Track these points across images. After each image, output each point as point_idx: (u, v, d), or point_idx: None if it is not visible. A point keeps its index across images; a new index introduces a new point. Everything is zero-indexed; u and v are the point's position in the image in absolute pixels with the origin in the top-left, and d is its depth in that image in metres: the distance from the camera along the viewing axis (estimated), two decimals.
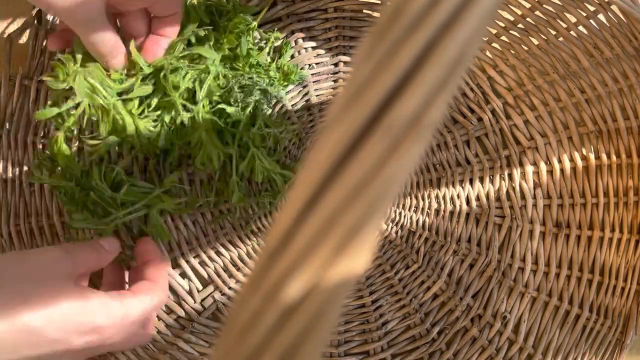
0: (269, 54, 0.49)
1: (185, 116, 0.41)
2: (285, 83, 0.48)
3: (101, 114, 0.39)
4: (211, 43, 0.43)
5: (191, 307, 0.49)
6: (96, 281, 0.46)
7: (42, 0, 0.32)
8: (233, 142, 0.45)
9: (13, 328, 0.31)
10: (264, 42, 0.49)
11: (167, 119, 0.41)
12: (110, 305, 0.35)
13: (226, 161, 0.45)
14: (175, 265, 0.49)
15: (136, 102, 0.40)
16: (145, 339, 0.41)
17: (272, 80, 0.47)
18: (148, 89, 0.41)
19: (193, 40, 0.45)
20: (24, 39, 0.46)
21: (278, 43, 0.49)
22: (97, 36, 0.36)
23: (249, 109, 0.44)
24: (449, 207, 0.50)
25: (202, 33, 0.44)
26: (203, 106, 0.42)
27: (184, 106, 0.41)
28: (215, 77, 0.42)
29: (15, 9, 0.50)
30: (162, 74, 0.40)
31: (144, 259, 0.43)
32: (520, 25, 0.47)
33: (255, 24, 0.45)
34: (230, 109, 0.43)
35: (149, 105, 0.41)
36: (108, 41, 0.37)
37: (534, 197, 0.50)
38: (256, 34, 0.48)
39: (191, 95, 0.42)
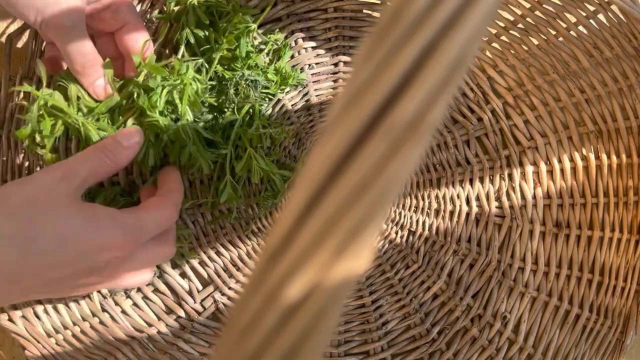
0: (267, 55, 0.49)
1: (170, 131, 0.41)
2: (283, 87, 0.48)
3: (76, 135, 0.40)
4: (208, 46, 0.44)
5: (191, 307, 0.49)
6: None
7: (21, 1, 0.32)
8: (226, 142, 0.45)
9: (29, 254, 0.31)
10: (263, 44, 0.49)
11: (152, 137, 0.41)
12: (122, 220, 0.34)
13: (224, 162, 0.45)
14: (175, 265, 0.49)
15: (106, 119, 0.40)
16: (169, 253, 0.40)
17: (269, 82, 0.47)
18: (114, 99, 0.40)
19: (192, 40, 0.45)
20: (23, 39, 0.46)
21: (277, 45, 0.49)
22: (77, 45, 0.36)
23: (246, 109, 0.45)
24: (449, 207, 0.50)
25: (201, 34, 0.44)
26: (187, 119, 0.41)
27: (171, 119, 0.41)
28: (195, 90, 0.42)
29: None
30: (135, 95, 0.39)
31: (164, 183, 0.42)
32: (520, 25, 0.47)
33: (255, 26, 0.45)
34: (227, 115, 0.44)
35: (125, 125, 0.40)
36: (87, 52, 0.37)
37: (534, 197, 0.50)
38: (255, 35, 0.48)
39: (175, 107, 0.42)
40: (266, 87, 0.47)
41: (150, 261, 0.38)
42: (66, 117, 0.39)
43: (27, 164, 0.47)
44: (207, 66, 0.46)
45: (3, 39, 0.45)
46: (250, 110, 0.45)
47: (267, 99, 0.48)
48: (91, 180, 0.36)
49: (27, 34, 0.46)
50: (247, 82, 0.45)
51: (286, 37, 0.50)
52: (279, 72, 0.48)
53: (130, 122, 0.40)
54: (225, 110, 0.45)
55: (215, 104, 0.45)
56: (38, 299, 0.35)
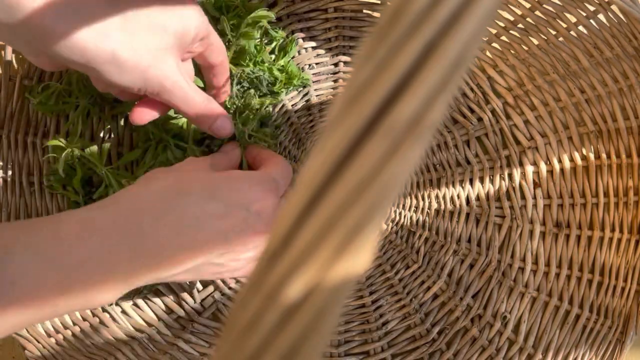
0: (272, 52, 0.49)
1: (178, 154, 0.44)
2: (288, 85, 0.48)
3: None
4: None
5: (191, 307, 0.49)
6: None
7: (107, 70, 0.32)
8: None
9: (189, 204, 0.33)
10: (268, 40, 0.49)
11: (163, 160, 0.44)
12: (253, 176, 0.36)
13: None
14: None
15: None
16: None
17: (275, 80, 0.47)
18: (136, 153, 0.45)
19: None
20: None
21: (283, 40, 0.49)
22: (183, 97, 0.37)
23: (253, 114, 0.45)
24: (449, 207, 0.50)
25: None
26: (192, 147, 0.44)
27: (176, 145, 0.44)
28: None
29: None
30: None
31: (259, 157, 0.43)
32: (520, 25, 0.47)
33: (265, 21, 0.45)
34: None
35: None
36: (195, 101, 0.38)
37: (534, 197, 0.50)
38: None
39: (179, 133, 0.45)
40: (271, 84, 0.47)
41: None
42: (95, 168, 0.44)
43: (27, 163, 0.47)
44: None
45: None
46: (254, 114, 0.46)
47: (270, 107, 0.48)
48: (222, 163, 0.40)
49: None
50: (253, 78, 0.45)
51: (287, 37, 0.50)
52: (285, 69, 0.47)
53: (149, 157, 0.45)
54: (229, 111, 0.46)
55: None
56: (189, 279, 0.36)
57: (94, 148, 0.45)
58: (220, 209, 0.33)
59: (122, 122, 0.48)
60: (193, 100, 0.37)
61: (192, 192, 0.33)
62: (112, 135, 0.48)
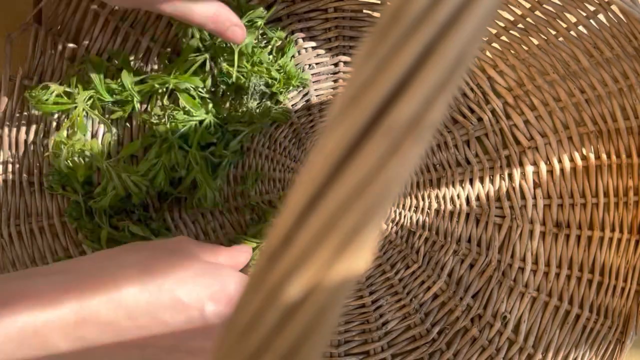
0: (270, 53, 0.49)
1: (179, 157, 0.44)
2: (286, 86, 0.48)
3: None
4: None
5: None
6: None
7: None
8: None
9: (153, 293, 0.30)
10: (266, 41, 0.49)
11: (166, 161, 0.44)
12: (241, 277, 0.34)
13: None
14: None
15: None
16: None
17: (273, 81, 0.47)
18: (135, 145, 0.45)
19: (197, 35, 0.45)
20: (24, 39, 0.46)
21: (281, 42, 0.49)
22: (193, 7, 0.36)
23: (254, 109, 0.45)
24: (449, 207, 0.50)
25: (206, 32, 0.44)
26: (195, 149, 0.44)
27: (180, 147, 0.44)
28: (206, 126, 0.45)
29: (15, 9, 0.50)
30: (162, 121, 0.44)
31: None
32: (520, 25, 0.47)
33: (262, 22, 0.45)
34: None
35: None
36: (204, 10, 0.37)
37: (534, 197, 0.50)
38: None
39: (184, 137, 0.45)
40: (271, 85, 0.47)
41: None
42: (96, 162, 0.44)
43: (27, 163, 0.47)
44: (211, 63, 0.46)
45: (3, 39, 0.45)
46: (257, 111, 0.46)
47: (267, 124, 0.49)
48: (208, 257, 0.36)
49: (27, 34, 0.46)
50: (252, 86, 0.45)
51: (286, 37, 0.50)
52: (283, 68, 0.48)
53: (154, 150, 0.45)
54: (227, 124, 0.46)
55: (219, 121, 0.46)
56: None
57: (95, 142, 0.45)
58: (183, 299, 0.31)
59: (125, 124, 0.48)
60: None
61: (158, 275, 0.31)
62: (113, 133, 0.48)
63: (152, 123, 0.45)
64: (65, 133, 0.45)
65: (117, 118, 0.47)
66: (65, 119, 0.47)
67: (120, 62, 0.47)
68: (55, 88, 0.44)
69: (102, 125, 0.48)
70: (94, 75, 0.44)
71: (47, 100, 0.44)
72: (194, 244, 0.36)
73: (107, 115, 0.47)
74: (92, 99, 0.45)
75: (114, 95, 0.45)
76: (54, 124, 0.47)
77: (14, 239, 0.46)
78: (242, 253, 0.39)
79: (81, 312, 0.28)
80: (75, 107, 0.44)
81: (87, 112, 0.45)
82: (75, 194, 0.46)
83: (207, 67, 0.46)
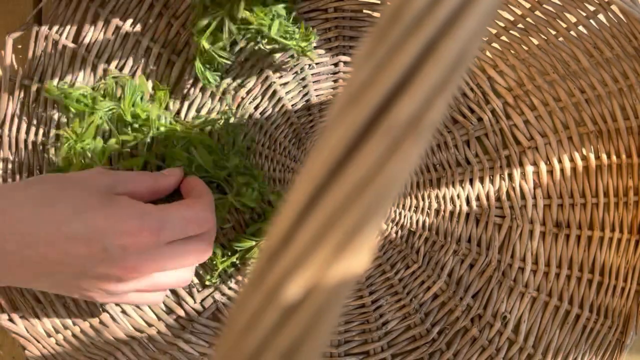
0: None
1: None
2: (308, 40, 0.45)
3: None
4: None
5: (191, 307, 0.49)
6: None
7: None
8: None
9: (44, 216, 0.31)
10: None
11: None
12: (142, 207, 0.34)
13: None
14: None
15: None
16: (202, 252, 0.38)
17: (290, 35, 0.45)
18: (137, 161, 0.45)
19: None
20: (24, 39, 0.46)
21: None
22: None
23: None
24: (449, 207, 0.50)
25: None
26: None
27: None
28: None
29: (15, 9, 0.50)
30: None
31: (189, 190, 0.40)
32: (520, 25, 0.47)
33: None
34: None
35: None
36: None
37: (534, 197, 0.50)
38: None
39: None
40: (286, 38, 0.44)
41: (179, 259, 0.36)
42: (95, 164, 0.44)
43: (27, 163, 0.47)
44: (227, 21, 0.44)
45: (3, 39, 0.45)
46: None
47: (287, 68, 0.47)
48: (121, 188, 0.36)
49: (27, 34, 0.46)
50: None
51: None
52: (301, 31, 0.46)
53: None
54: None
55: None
56: (47, 290, 0.34)
57: (99, 142, 0.45)
58: (82, 232, 0.31)
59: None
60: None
61: (59, 203, 0.31)
62: (118, 141, 0.47)
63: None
64: (71, 131, 0.45)
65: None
66: (74, 119, 0.46)
67: (157, 92, 0.47)
68: (82, 87, 0.44)
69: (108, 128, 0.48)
70: (127, 92, 0.45)
71: (70, 94, 0.44)
72: (106, 174, 0.36)
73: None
74: (112, 111, 0.45)
75: (134, 119, 0.45)
76: (54, 123, 0.47)
77: None
78: (164, 177, 0.38)
79: None
80: (93, 113, 0.45)
81: (101, 119, 0.45)
82: None
83: (225, 30, 0.44)
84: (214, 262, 0.48)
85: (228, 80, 0.49)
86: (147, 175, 0.38)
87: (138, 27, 0.48)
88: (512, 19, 0.47)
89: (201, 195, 0.39)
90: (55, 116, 0.47)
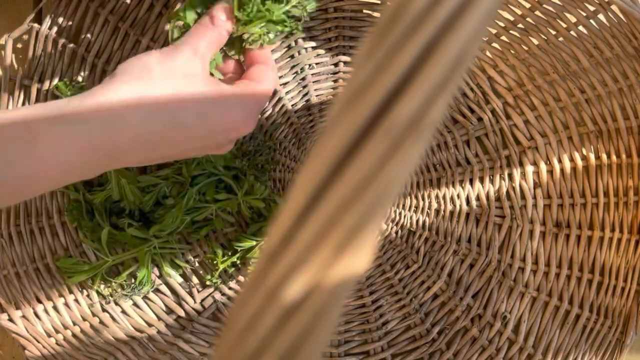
0: None
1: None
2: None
3: None
4: None
5: (191, 307, 0.49)
6: None
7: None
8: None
9: (172, 127, 0.33)
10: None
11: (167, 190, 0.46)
12: (245, 101, 0.36)
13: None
14: (175, 265, 0.49)
15: None
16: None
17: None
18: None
19: None
20: (24, 39, 0.46)
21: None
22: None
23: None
24: (449, 207, 0.50)
25: None
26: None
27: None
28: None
29: (15, 9, 0.50)
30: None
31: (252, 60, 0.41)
32: (520, 25, 0.47)
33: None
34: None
35: None
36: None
37: (534, 197, 0.50)
38: None
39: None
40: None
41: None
42: None
43: None
44: None
45: (3, 39, 0.45)
46: None
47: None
48: (209, 54, 0.37)
49: (27, 34, 0.46)
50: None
51: (286, 37, 0.50)
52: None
53: None
54: None
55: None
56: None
57: None
58: (202, 133, 0.35)
59: None
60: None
61: (182, 112, 0.34)
62: None
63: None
64: None
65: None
66: None
67: None
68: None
69: None
70: None
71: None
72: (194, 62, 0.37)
73: None
74: None
75: None
76: None
77: (13, 239, 0.46)
78: (220, 26, 0.38)
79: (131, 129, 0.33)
80: None
81: None
82: (75, 192, 0.46)
83: None
84: (215, 262, 0.48)
85: None
86: (215, 34, 0.38)
87: (138, 27, 0.48)
88: (512, 19, 0.47)
89: (268, 58, 0.41)
90: None
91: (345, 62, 0.51)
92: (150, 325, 0.48)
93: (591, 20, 0.44)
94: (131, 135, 0.32)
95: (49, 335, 0.46)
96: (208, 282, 0.48)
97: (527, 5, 0.45)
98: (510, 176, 0.50)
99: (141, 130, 0.33)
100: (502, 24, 0.47)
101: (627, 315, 0.46)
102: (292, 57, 0.50)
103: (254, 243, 0.47)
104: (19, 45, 0.47)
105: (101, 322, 0.47)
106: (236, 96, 0.37)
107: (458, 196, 0.50)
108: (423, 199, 0.51)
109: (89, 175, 0.34)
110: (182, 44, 0.36)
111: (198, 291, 0.49)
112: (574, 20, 0.44)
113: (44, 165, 0.31)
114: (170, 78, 0.35)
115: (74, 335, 0.46)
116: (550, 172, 0.50)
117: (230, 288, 0.49)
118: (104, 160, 0.32)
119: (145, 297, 0.48)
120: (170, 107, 0.34)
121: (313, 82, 0.50)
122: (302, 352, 0.12)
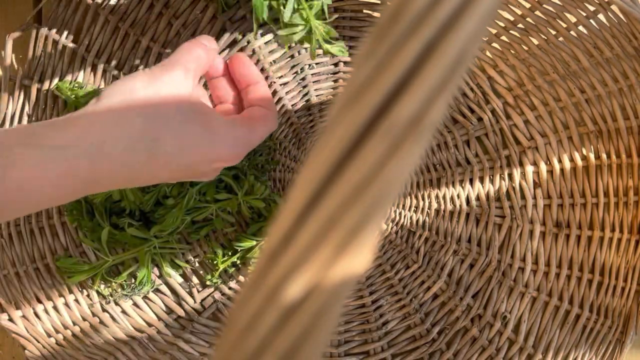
0: None
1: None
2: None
3: None
4: None
5: (191, 307, 0.49)
6: None
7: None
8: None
9: (155, 157, 0.33)
10: None
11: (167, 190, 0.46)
12: (235, 133, 0.36)
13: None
14: (175, 265, 0.49)
15: None
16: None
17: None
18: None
19: None
20: (24, 39, 0.46)
21: None
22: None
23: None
24: (449, 207, 0.50)
25: None
26: None
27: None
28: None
29: (15, 9, 0.50)
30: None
31: (247, 81, 0.41)
32: (520, 25, 0.47)
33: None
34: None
35: None
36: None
37: (534, 197, 0.50)
38: None
39: None
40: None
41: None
42: None
43: None
44: None
45: (3, 39, 0.45)
46: None
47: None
48: (198, 74, 0.37)
49: (27, 34, 0.46)
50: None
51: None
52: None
53: None
54: None
55: None
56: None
57: None
58: (185, 164, 0.34)
59: None
60: None
61: (165, 141, 0.33)
62: None
63: None
64: None
65: None
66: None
67: None
68: (91, 87, 0.45)
69: None
70: None
71: (76, 95, 0.44)
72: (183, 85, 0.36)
73: None
74: None
75: None
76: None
77: (13, 239, 0.46)
78: (208, 52, 0.38)
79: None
80: None
81: None
82: None
83: None
84: (215, 262, 0.48)
85: None
86: (204, 58, 0.38)
87: (138, 27, 0.48)
88: (512, 19, 0.47)
89: (270, 101, 0.41)
90: (56, 116, 0.47)
91: (345, 62, 0.51)
92: (150, 325, 0.48)
93: (591, 20, 0.44)
94: (112, 161, 0.31)
95: (49, 335, 0.46)
96: (208, 282, 0.49)
97: (527, 5, 0.45)
98: (510, 176, 0.50)
99: (122, 157, 0.32)
100: (502, 24, 0.47)
101: (627, 315, 0.46)
102: (292, 57, 0.50)
103: (254, 243, 0.47)
104: (19, 45, 0.47)
105: (101, 322, 0.47)
106: (228, 131, 0.36)
107: (458, 196, 0.50)
108: (423, 199, 0.51)
109: (66, 201, 0.33)
110: (170, 63, 0.35)
111: (198, 291, 0.49)
112: (574, 20, 0.44)
113: (19, 192, 0.30)
114: (155, 104, 0.34)
115: (74, 335, 0.46)
116: (550, 172, 0.50)
117: (230, 288, 0.49)
118: (82, 186, 0.32)
119: (145, 297, 0.48)
120: (152, 135, 0.33)
121: (313, 82, 0.50)
122: (302, 352, 0.12)
